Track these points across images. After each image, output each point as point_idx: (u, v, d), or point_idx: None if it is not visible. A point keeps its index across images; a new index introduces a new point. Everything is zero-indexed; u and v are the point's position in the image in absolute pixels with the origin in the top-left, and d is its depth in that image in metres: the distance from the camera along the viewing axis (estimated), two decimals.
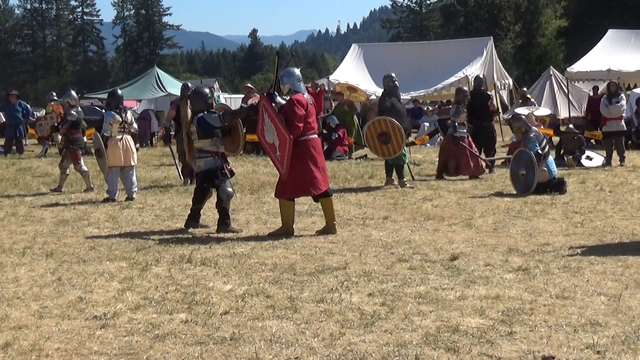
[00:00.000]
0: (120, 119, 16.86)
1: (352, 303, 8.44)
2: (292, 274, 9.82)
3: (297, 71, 13.11)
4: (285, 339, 7.26)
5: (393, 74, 19.21)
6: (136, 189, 17.16)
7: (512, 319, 7.77)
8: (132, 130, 17.33)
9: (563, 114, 38.53)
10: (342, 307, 8.28)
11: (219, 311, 8.18)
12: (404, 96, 35.19)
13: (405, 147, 18.48)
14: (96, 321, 7.89)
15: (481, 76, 23.84)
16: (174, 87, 46.65)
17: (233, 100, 49.30)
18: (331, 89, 35.08)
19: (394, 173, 18.41)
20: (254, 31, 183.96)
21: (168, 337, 7.35)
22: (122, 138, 16.88)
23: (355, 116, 28.35)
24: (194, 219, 13.43)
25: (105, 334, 7.47)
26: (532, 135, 17.38)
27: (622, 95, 25.67)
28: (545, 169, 16.88)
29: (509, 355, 6.80)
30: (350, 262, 10.42)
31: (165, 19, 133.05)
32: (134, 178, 17.13)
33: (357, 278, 9.57)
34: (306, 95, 12.89)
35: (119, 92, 18.02)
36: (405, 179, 18.38)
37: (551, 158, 17.38)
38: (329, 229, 12.64)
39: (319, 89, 31.68)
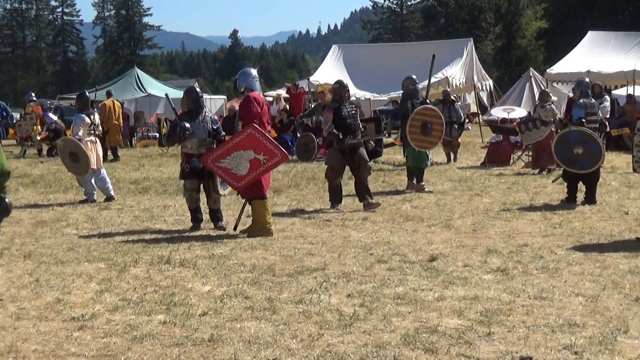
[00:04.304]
0: (90, 121, 16.88)
1: (331, 304, 8.44)
2: (271, 275, 9.81)
3: (254, 71, 13.30)
4: (263, 340, 7.25)
5: (414, 76, 19.06)
6: (111, 187, 17.11)
7: (491, 320, 7.79)
8: (97, 132, 17.30)
9: None
10: (321, 308, 8.29)
11: (198, 312, 8.17)
12: (384, 97, 35.34)
13: (428, 151, 18.35)
14: (74, 322, 7.86)
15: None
16: (154, 87, 46.62)
17: (213, 101, 49.29)
18: (312, 89, 35.08)
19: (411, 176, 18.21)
20: (235, 32, 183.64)
21: (146, 338, 7.33)
22: (95, 140, 16.92)
23: None
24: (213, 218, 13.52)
25: (83, 336, 7.44)
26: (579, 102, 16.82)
27: (606, 96, 25.78)
28: None
29: (487, 356, 6.82)
30: (329, 263, 10.42)
31: (145, 19, 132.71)
32: (107, 177, 17.09)
33: (336, 279, 9.58)
34: (261, 95, 13.08)
35: (87, 94, 18.00)
36: (423, 183, 18.06)
37: None
38: (257, 231, 12.60)
39: (299, 90, 31.69)
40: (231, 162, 12.47)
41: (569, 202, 15.64)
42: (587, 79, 18.24)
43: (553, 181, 17.88)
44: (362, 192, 15.13)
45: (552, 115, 22.09)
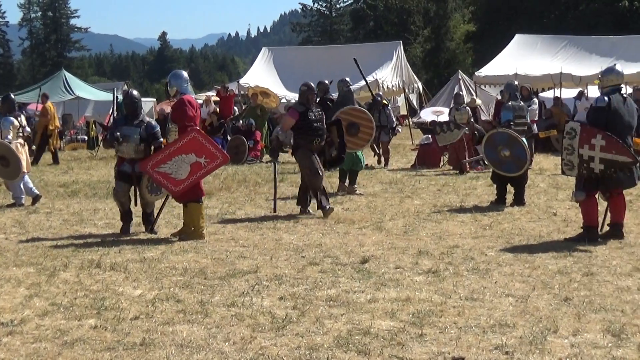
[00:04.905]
0: (18, 124, 16.69)
1: (264, 307, 8.43)
2: (202, 278, 9.77)
3: (185, 73, 13.16)
4: (196, 343, 7.22)
5: (347, 78, 19.10)
6: (34, 187, 16.92)
7: (422, 321, 7.83)
8: (25, 134, 17.12)
9: None
10: (253, 311, 8.27)
11: (129, 316, 8.10)
12: None
13: (361, 153, 18.36)
14: (3, 328, 7.76)
15: (326, 82, 23.77)
16: (82, 90, 46.13)
17: (142, 104, 48.89)
18: (241, 92, 35.00)
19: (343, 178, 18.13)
20: (164, 34, 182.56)
21: (77, 343, 7.26)
22: (24, 143, 16.75)
23: (266, 121, 28.38)
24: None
25: (13, 341, 7.34)
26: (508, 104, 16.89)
27: (534, 99, 26.06)
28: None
29: (419, 357, 6.86)
30: (261, 266, 10.41)
31: (73, 21, 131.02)
32: (28, 178, 16.88)
33: (268, 282, 9.57)
34: (194, 97, 12.99)
35: (12, 96, 17.76)
36: (355, 186, 18.03)
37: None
38: (189, 234, 12.55)
39: (228, 92, 31.58)
40: (171, 167, 12.37)
41: (498, 203, 15.79)
42: (516, 82, 18.41)
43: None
44: (306, 200, 14.98)
45: (467, 118, 22.41)
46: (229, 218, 14.52)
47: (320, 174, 14.70)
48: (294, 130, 14.73)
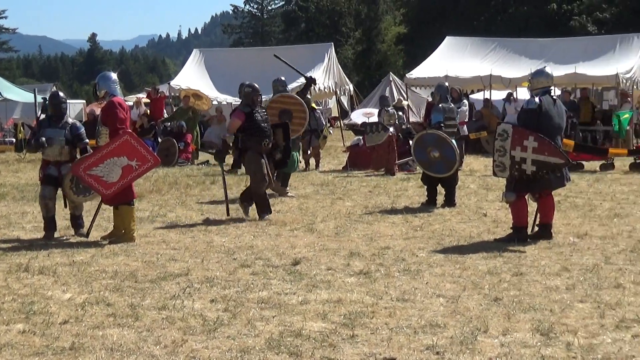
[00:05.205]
0: None
1: (195, 309, 8.39)
2: (133, 282, 9.69)
3: (114, 75, 13.04)
4: (126, 347, 7.16)
5: (283, 78, 19.09)
6: None
7: (354, 322, 7.85)
8: None
9: None
10: (185, 313, 8.22)
11: (58, 320, 8.01)
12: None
13: (296, 155, 18.33)
14: None
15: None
16: (9, 92, 45.47)
17: (72, 106, 48.40)
18: (172, 94, 34.80)
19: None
20: (94, 35, 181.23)
21: (5, 348, 7.16)
22: None
23: (197, 123, 28.28)
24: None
25: None
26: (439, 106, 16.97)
27: (465, 101, 26.27)
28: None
29: (350, 358, 6.88)
30: (192, 269, 10.36)
31: (0, 22, 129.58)
32: None
33: (199, 284, 9.53)
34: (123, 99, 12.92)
35: None
36: (288, 188, 17.93)
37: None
38: (119, 237, 12.45)
39: (159, 94, 31.42)
40: (103, 170, 12.25)
41: (429, 204, 15.89)
42: (447, 84, 18.54)
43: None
44: (250, 200, 14.80)
45: (394, 119, 22.60)
46: (160, 220, 14.43)
47: (266, 180, 14.68)
48: (242, 132, 14.61)
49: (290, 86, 25.62)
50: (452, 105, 17.39)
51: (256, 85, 15.20)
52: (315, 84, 20.97)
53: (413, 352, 7.00)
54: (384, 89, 44.74)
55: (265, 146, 14.61)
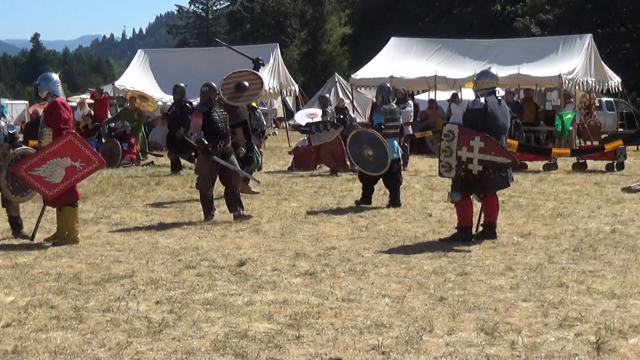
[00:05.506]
0: None
1: (140, 311, 8.34)
2: (77, 284, 9.61)
3: (56, 76, 12.93)
4: (70, 350, 7.10)
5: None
6: None
7: (300, 323, 7.85)
8: None
9: None
10: (129, 315, 8.17)
11: (1, 324, 7.92)
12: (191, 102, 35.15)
13: (258, 154, 18.29)
14: None
15: (182, 85, 23.90)
16: None
17: (15, 106, 48.00)
18: (117, 94, 34.61)
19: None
20: (36, 35, 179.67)
21: None
22: None
23: (142, 124, 28.14)
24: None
25: None
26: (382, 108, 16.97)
27: (409, 101, 26.39)
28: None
29: (297, 359, 6.87)
30: (137, 270, 10.29)
31: None
32: None
33: (144, 286, 9.47)
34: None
35: None
36: (251, 186, 17.71)
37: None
38: (62, 239, 12.33)
39: (103, 95, 31.23)
40: (46, 170, 12.12)
41: (363, 202, 15.96)
42: (388, 85, 18.58)
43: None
44: (233, 202, 14.52)
45: (333, 119, 22.74)
46: (104, 222, 14.32)
47: (212, 185, 14.62)
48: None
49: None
50: (395, 106, 17.39)
51: (213, 84, 15.12)
52: (263, 65, 20.90)
53: (359, 352, 7.01)
54: (329, 89, 44.83)
55: (221, 148, 14.49)
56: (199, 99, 15.10)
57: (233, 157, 14.74)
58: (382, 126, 16.23)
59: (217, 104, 14.99)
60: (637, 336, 7.49)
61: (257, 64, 19.65)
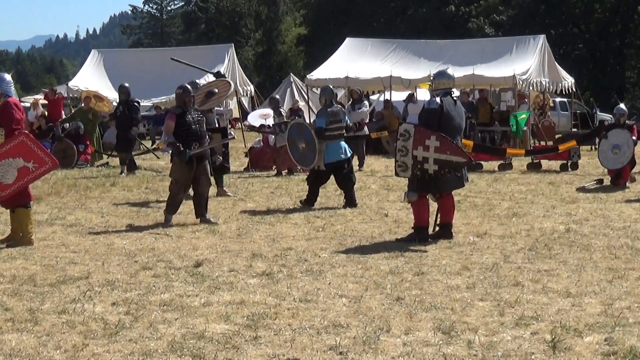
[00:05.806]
0: None
1: (96, 313, 8.28)
2: (32, 286, 9.53)
3: (8, 76, 12.83)
4: (25, 352, 7.04)
5: (197, 80, 19.14)
6: None
7: (257, 324, 7.84)
8: None
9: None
10: (85, 317, 8.12)
11: None
12: (145, 103, 35.01)
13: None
14: None
15: (126, 85, 23.96)
16: None
17: None
18: (71, 95, 34.38)
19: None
20: None
21: None
22: None
23: (97, 125, 27.96)
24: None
25: None
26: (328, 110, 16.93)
27: (365, 102, 26.43)
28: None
29: None
30: (93, 272, 10.22)
31: None
32: None
33: (100, 287, 9.41)
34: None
35: None
36: (226, 189, 17.93)
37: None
38: (17, 240, 12.21)
39: (57, 95, 30.99)
40: None
41: (307, 204, 15.94)
42: (331, 87, 18.55)
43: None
44: (201, 207, 14.35)
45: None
46: (59, 223, 14.21)
47: (185, 191, 14.53)
48: (173, 135, 14.34)
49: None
50: (338, 107, 17.22)
51: (187, 86, 14.97)
52: (223, 77, 20.93)
53: (316, 353, 7.01)
54: (284, 90, 44.80)
55: (194, 148, 14.33)
56: (152, 99, 15.08)
57: (206, 164, 14.55)
58: (324, 129, 16.06)
59: (192, 106, 14.81)
60: (592, 334, 7.56)
61: (219, 77, 19.68)
